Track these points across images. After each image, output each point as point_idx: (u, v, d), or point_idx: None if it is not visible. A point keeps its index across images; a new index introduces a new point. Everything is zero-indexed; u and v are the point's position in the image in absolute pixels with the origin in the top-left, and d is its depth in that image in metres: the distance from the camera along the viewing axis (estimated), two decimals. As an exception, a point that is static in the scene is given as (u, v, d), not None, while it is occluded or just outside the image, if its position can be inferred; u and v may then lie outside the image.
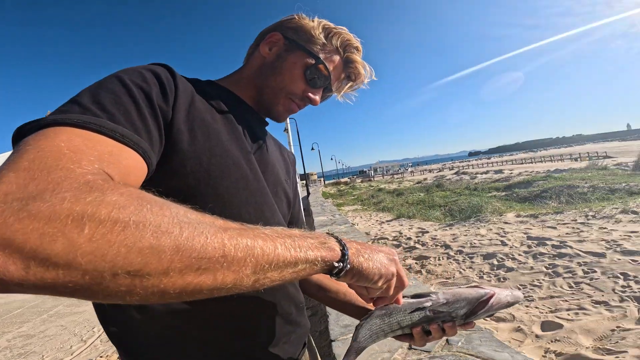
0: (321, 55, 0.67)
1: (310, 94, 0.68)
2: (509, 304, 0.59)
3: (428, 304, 0.58)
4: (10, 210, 0.25)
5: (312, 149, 30.97)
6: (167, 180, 0.49)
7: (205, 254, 0.31)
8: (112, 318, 0.55)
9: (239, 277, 0.33)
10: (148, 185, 0.43)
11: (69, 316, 4.37)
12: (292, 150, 6.16)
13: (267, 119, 0.75)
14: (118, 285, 0.27)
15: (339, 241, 0.46)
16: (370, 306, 0.74)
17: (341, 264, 0.44)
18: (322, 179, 48.25)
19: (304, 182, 23.23)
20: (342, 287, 0.78)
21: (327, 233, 0.47)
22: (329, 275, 0.46)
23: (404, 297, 0.60)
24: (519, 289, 3.65)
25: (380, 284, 0.50)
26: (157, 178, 0.48)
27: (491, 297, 0.57)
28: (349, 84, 0.73)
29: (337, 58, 0.69)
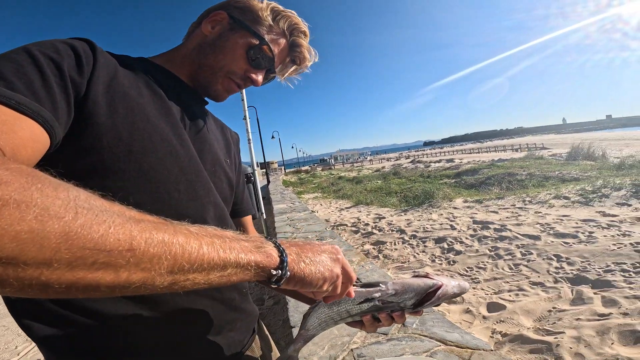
0: (267, 37, 0.66)
1: (252, 75, 0.67)
2: (455, 295, 0.62)
3: (377, 294, 0.58)
4: None
5: (273, 137, 30.54)
6: (81, 157, 0.46)
7: (105, 246, 0.26)
8: (22, 308, 0.50)
9: (150, 276, 0.29)
10: (57, 164, 0.39)
11: (10, 317, 3.91)
12: (251, 138, 5.95)
13: (208, 100, 0.72)
14: None
15: (277, 246, 0.43)
16: None
17: (280, 272, 0.41)
18: (282, 168, 47.86)
19: (264, 170, 22.84)
20: None
21: (265, 237, 0.44)
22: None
23: (354, 284, 0.59)
24: (467, 271, 3.91)
25: (325, 287, 0.48)
26: (69, 156, 0.45)
27: (439, 288, 0.59)
28: (293, 68, 0.73)
29: (283, 41, 0.69)
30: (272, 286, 0.43)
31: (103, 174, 0.47)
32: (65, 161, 0.44)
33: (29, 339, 3.32)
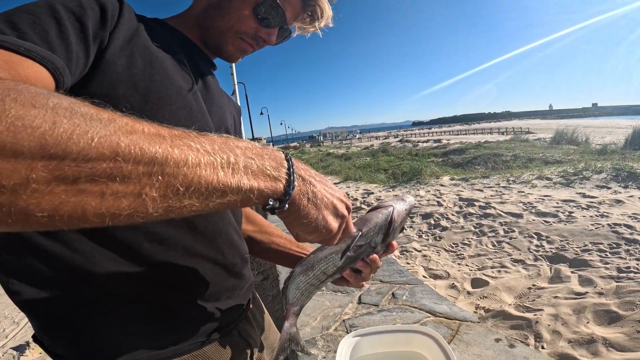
0: None
1: (263, 34, 0.63)
2: (408, 211, 0.60)
3: (348, 241, 0.55)
4: None
5: (261, 113, 29.92)
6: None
7: (86, 160, 0.23)
8: (10, 272, 0.47)
9: (140, 201, 0.25)
10: None
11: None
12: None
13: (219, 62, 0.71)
14: None
15: (289, 173, 0.37)
16: (306, 252, 0.76)
17: (277, 203, 0.36)
18: (271, 144, 47.37)
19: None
20: (273, 237, 0.79)
21: (284, 156, 0.38)
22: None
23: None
24: (452, 247, 4.02)
25: (311, 238, 0.43)
26: None
27: (393, 212, 0.58)
28: (312, 23, 0.68)
29: None
30: (262, 209, 0.38)
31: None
32: None
33: (15, 320, 3.29)
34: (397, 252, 3.99)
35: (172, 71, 0.54)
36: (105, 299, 0.48)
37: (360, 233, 0.54)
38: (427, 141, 27.44)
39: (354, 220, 0.54)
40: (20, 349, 2.76)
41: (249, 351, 0.66)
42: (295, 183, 0.37)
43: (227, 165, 0.30)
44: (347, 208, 0.45)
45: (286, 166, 0.37)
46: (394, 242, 0.61)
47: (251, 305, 0.72)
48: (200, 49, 0.66)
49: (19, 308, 0.49)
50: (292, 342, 0.61)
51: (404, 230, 4.74)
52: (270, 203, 0.35)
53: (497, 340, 1.38)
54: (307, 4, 0.65)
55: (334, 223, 0.43)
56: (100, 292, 0.47)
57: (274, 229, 0.82)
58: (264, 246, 0.79)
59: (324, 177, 0.45)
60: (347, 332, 1.54)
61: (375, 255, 0.58)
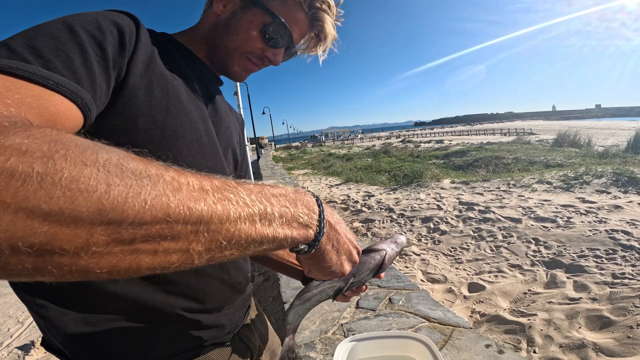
0: (282, 13, 0.61)
1: (269, 54, 0.64)
2: (399, 252, 0.68)
3: (340, 284, 0.63)
4: None
5: (263, 113, 29.95)
6: (116, 137, 0.45)
7: (142, 223, 0.24)
8: (33, 287, 0.50)
9: (188, 256, 0.27)
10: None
11: (0, 297, 3.91)
12: (242, 114, 5.90)
13: (224, 78, 0.72)
14: (21, 262, 0.20)
15: (320, 220, 0.38)
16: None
17: (306, 247, 0.38)
18: (272, 143, 47.35)
19: (254, 146, 22.65)
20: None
21: (312, 196, 0.40)
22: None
23: None
24: (451, 251, 4.07)
25: (322, 277, 0.47)
26: (104, 135, 0.41)
27: (385, 256, 0.64)
28: (318, 44, 0.69)
29: (301, 15, 0.64)
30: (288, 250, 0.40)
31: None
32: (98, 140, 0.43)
33: (20, 320, 3.27)
34: (396, 256, 4.06)
35: (186, 100, 0.54)
36: (123, 311, 0.52)
37: (353, 275, 0.61)
38: (429, 142, 27.45)
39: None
40: (25, 348, 2.78)
41: (249, 354, 0.71)
42: (325, 230, 0.39)
43: (264, 217, 0.32)
44: (358, 253, 0.49)
45: (317, 212, 0.38)
46: (383, 274, 0.67)
47: (250, 312, 0.77)
48: (208, 67, 0.66)
49: (33, 315, 0.51)
50: (290, 352, 0.68)
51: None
52: (300, 247, 0.38)
53: (487, 346, 1.45)
54: (313, 25, 0.66)
55: (347, 267, 0.47)
56: (121, 304, 0.51)
57: None
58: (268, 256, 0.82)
59: (342, 220, 0.47)
60: (345, 336, 1.61)
61: (364, 287, 0.65)
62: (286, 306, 2.01)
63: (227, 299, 0.64)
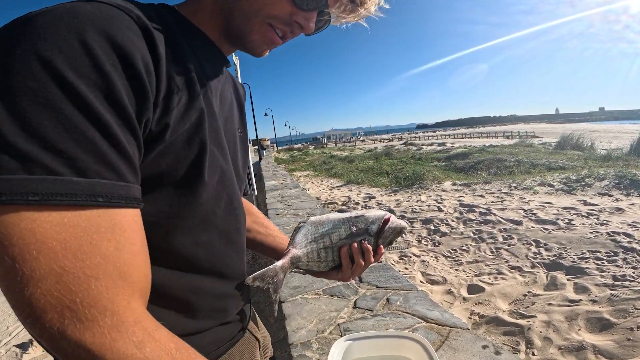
0: None
1: (300, 18, 0.51)
2: (401, 229, 0.68)
3: (351, 214, 0.65)
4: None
5: (266, 114, 30.10)
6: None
7: None
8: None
9: None
10: None
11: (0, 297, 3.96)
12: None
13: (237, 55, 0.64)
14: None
15: None
16: None
17: None
18: (274, 145, 47.48)
19: (256, 147, 22.72)
20: (270, 230, 0.80)
21: None
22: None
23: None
24: (451, 253, 4.06)
25: None
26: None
27: (389, 218, 0.66)
28: (352, 9, 0.54)
29: None
30: None
31: (161, 200, 0.42)
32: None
33: (18, 321, 3.36)
34: (395, 257, 4.05)
35: (210, 128, 0.48)
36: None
37: (360, 213, 0.64)
38: (431, 144, 27.40)
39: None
40: (24, 346, 2.82)
41: (258, 345, 0.71)
42: None
43: None
44: None
45: None
46: (382, 247, 0.67)
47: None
48: (215, 46, 0.55)
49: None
50: (272, 284, 0.63)
51: (403, 236, 4.80)
52: None
53: (484, 347, 1.45)
54: None
55: None
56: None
57: (269, 223, 0.84)
58: (259, 237, 0.81)
59: None
60: (342, 336, 1.61)
61: (368, 246, 0.64)
62: (285, 306, 2.01)
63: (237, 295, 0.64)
